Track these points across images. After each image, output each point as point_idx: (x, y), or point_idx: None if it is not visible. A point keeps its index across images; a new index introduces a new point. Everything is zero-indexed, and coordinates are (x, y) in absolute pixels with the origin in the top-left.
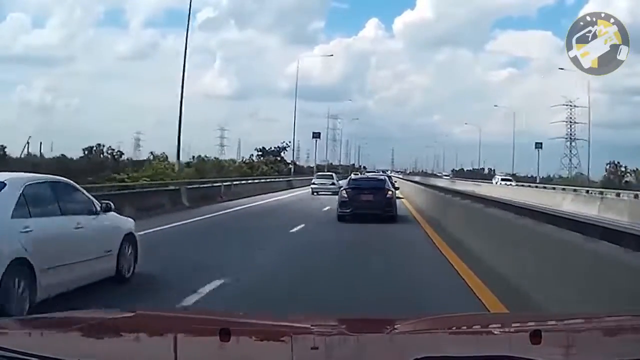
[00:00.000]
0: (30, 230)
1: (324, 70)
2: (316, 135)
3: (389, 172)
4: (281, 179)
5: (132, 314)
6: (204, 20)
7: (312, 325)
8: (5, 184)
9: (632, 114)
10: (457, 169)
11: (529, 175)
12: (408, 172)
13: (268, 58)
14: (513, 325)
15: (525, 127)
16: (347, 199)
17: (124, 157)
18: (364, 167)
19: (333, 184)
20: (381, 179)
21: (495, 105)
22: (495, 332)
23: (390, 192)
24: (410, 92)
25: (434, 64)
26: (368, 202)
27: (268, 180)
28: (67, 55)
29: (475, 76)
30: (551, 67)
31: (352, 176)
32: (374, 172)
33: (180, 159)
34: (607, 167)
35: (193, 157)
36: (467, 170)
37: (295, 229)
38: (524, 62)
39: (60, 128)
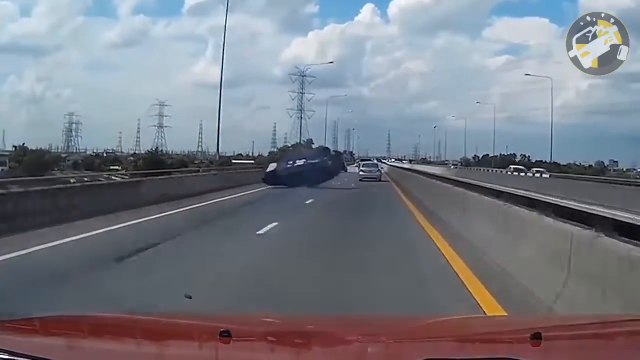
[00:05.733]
0: None
1: (318, 57)
2: None
3: (392, 160)
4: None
5: (132, 315)
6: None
7: (312, 326)
8: None
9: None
10: (480, 155)
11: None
12: (408, 159)
13: (260, 44)
14: (513, 327)
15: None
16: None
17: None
18: (351, 153)
19: None
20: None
21: (478, 102)
22: (495, 334)
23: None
24: (406, 78)
25: (431, 49)
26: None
27: None
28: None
29: (473, 62)
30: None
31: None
32: (368, 160)
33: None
34: None
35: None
36: (491, 156)
37: None
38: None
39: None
